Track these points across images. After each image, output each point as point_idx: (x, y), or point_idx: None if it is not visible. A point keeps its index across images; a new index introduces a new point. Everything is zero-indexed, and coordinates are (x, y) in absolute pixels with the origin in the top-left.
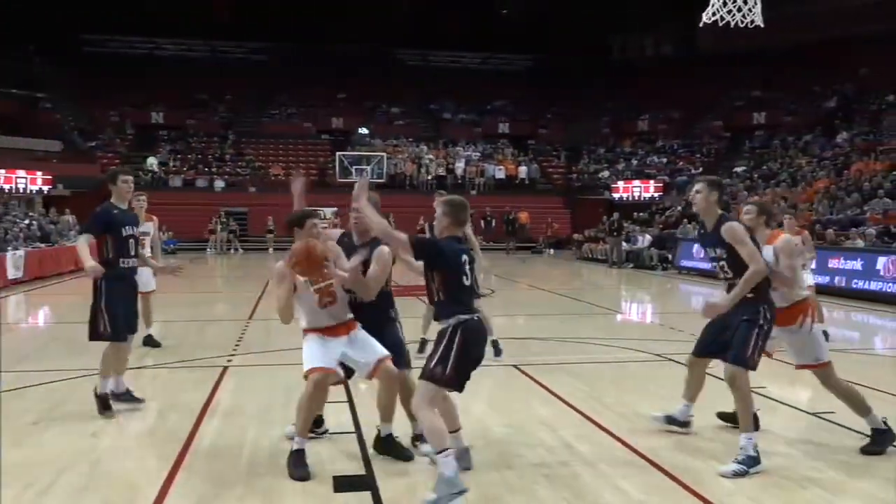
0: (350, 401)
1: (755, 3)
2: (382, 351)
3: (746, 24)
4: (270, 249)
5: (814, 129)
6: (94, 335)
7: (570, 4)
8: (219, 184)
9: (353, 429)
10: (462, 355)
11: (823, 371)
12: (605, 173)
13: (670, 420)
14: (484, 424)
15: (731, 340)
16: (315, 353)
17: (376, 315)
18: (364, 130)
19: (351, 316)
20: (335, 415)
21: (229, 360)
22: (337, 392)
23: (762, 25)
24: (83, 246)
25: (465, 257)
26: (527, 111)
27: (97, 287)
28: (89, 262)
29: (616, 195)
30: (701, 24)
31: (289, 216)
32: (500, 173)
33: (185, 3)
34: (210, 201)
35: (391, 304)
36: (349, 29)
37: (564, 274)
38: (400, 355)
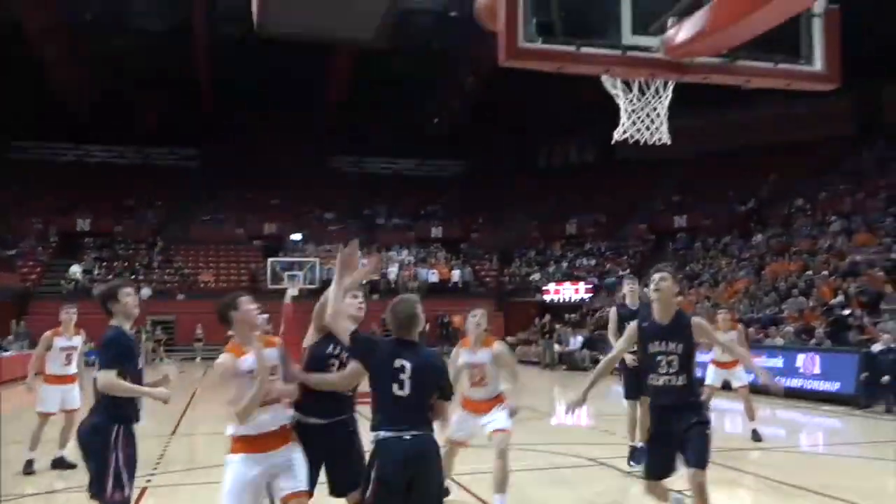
0: None
1: (661, 123)
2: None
3: (654, 140)
4: (198, 358)
5: (731, 230)
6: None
7: (498, 113)
8: (145, 291)
9: None
10: (377, 482)
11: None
12: (537, 276)
13: None
14: None
15: (686, 444)
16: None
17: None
18: (297, 236)
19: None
20: None
21: (148, 481)
22: None
23: (669, 142)
24: (119, 382)
25: (401, 363)
26: (459, 215)
27: (110, 434)
28: (156, 390)
29: (547, 297)
30: (612, 142)
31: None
32: (434, 277)
33: (115, 110)
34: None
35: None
36: (282, 134)
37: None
38: None
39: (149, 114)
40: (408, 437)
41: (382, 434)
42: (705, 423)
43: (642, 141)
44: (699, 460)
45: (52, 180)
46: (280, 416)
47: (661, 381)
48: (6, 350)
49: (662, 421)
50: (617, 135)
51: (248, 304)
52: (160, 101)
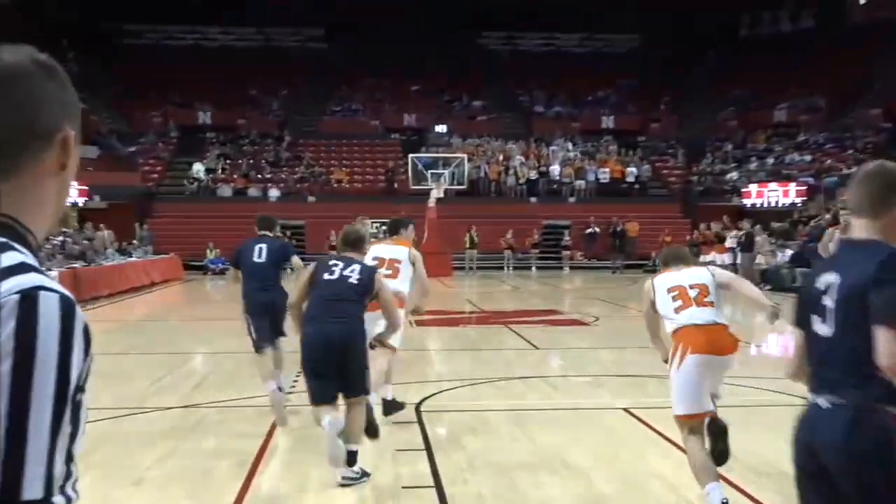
0: (428, 448)
1: None
2: None
3: None
4: None
5: None
6: None
7: None
8: (273, 193)
9: (431, 483)
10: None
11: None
12: (734, 175)
13: None
14: (587, 480)
15: None
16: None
17: None
18: (442, 128)
19: None
20: (410, 464)
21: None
22: (411, 437)
23: None
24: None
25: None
26: (635, 101)
27: None
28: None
29: (747, 201)
30: None
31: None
32: (604, 176)
33: None
34: (264, 213)
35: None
36: (420, 6)
37: None
38: None
39: None
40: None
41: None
42: None
43: None
44: None
45: (169, 68)
46: None
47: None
48: (130, 255)
49: None
50: None
51: None
52: None
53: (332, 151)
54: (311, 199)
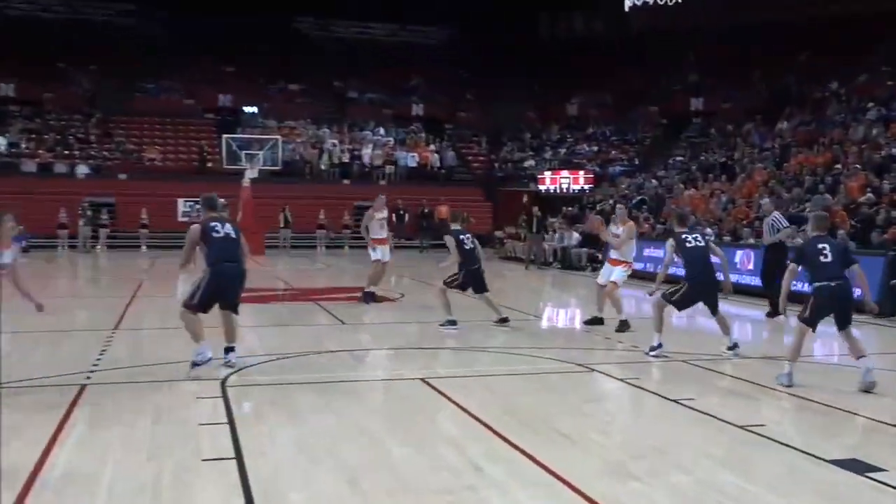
0: (231, 422)
1: None
2: None
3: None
4: (144, 247)
5: (753, 116)
6: None
7: None
8: (82, 169)
9: (232, 455)
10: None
11: None
12: (531, 162)
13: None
14: (381, 445)
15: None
16: None
17: None
18: (254, 110)
19: None
20: (212, 437)
21: (88, 378)
22: (215, 412)
23: None
24: None
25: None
26: (444, 91)
27: None
28: None
29: (542, 187)
30: (626, 7)
31: None
32: (413, 161)
33: None
34: (71, 190)
35: None
36: None
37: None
38: None
39: None
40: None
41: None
42: None
43: None
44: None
45: None
46: None
47: None
48: None
49: None
50: None
51: None
52: None
53: (145, 129)
54: (122, 176)
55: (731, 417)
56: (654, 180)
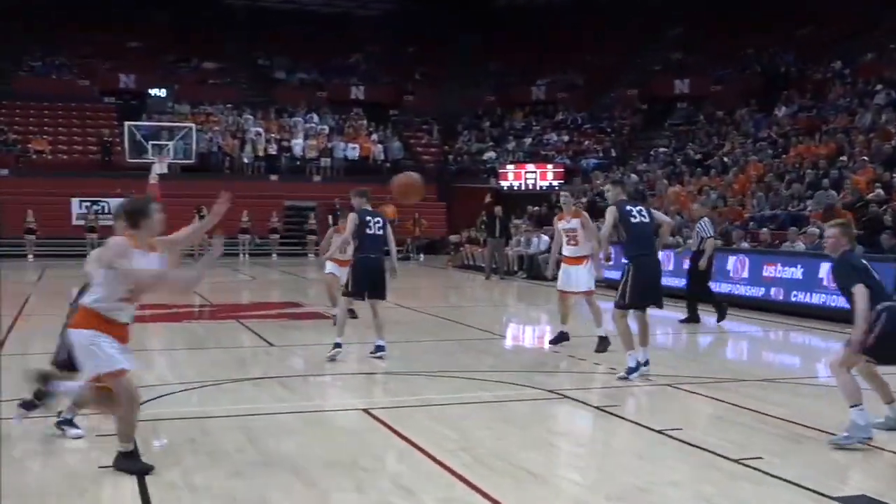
0: None
1: None
2: None
3: None
4: (30, 256)
5: (747, 100)
6: None
7: None
8: None
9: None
10: None
11: None
12: (491, 154)
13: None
14: (318, 489)
15: None
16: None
17: None
18: (162, 92)
19: None
20: (114, 486)
21: None
22: None
23: None
24: None
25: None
26: (388, 71)
27: None
28: None
29: (504, 183)
30: None
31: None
32: (354, 153)
33: None
34: None
35: None
36: None
37: (436, 287)
38: None
39: None
40: None
41: None
42: None
43: None
44: None
45: None
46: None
47: None
48: None
49: None
50: None
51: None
52: None
53: (31, 116)
54: (2, 172)
55: (723, 450)
56: (633, 175)
